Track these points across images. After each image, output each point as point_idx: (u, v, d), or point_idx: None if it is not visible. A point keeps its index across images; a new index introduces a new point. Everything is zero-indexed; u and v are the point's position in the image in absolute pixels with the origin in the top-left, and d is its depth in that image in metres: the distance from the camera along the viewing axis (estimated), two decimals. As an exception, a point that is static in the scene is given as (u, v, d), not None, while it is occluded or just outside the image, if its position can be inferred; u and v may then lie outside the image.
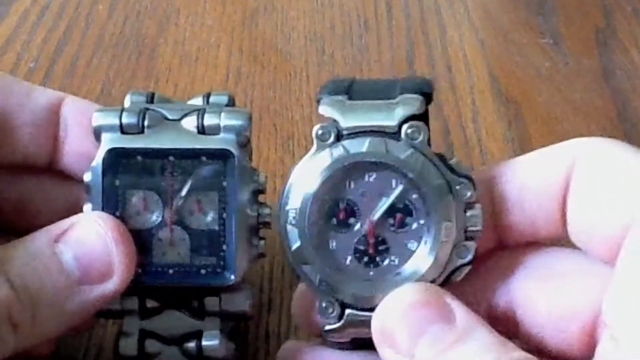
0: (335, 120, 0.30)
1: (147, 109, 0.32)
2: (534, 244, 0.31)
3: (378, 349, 0.28)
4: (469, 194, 0.30)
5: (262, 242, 0.32)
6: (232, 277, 0.31)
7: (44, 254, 0.28)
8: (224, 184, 0.31)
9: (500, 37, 0.58)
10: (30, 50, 0.55)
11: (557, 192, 0.29)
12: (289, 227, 0.30)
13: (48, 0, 0.59)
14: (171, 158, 0.31)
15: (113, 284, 0.29)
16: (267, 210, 0.32)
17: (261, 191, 0.32)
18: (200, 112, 0.31)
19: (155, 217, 0.31)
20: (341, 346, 0.31)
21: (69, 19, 0.58)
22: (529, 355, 0.25)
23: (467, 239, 0.30)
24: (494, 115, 0.51)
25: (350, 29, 0.58)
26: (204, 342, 0.32)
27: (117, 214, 0.31)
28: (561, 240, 0.31)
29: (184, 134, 0.31)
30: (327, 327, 0.31)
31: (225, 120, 0.31)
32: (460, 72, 0.54)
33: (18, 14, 0.58)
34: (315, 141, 0.30)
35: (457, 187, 0.30)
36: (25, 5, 0.59)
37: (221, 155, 0.31)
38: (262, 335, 0.37)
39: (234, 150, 0.31)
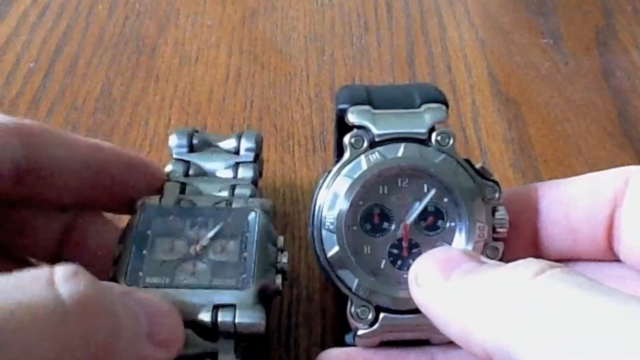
0: (365, 128, 0.31)
1: (182, 199, 0.35)
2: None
3: (412, 292, 0.28)
4: (496, 196, 0.31)
5: (278, 280, 0.32)
6: (249, 290, 0.31)
7: (122, 300, 0.27)
8: (247, 235, 0.33)
9: (500, 37, 0.58)
10: (30, 50, 0.55)
11: (606, 212, 0.30)
12: (325, 232, 0.31)
13: (48, 0, 0.60)
14: (201, 218, 0.34)
15: (168, 354, 0.28)
16: (284, 259, 0.33)
17: (281, 250, 0.33)
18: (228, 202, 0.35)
19: (180, 255, 0.33)
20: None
21: (69, 19, 0.58)
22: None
23: (494, 239, 0.31)
24: (494, 115, 0.51)
25: (350, 29, 0.58)
26: None
27: (145, 252, 0.33)
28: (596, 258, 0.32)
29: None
30: (361, 332, 0.31)
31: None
32: (460, 72, 0.54)
33: (18, 14, 0.58)
34: (348, 149, 0.31)
35: (486, 190, 0.31)
36: (25, 5, 0.59)
37: (246, 214, 0.34)
38: (262, 335, 0.37)
39: (258, 210, 0.33)
